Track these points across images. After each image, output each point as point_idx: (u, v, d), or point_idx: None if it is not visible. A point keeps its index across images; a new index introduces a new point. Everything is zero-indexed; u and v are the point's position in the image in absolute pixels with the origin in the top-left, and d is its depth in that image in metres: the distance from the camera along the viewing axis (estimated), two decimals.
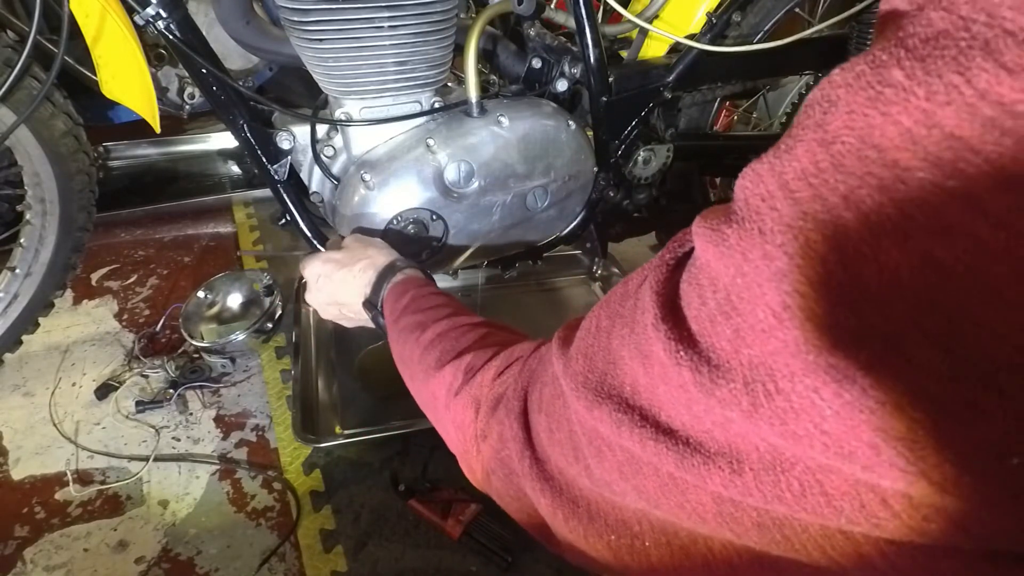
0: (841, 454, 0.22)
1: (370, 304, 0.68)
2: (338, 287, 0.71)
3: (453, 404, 0.49)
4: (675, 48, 1.01)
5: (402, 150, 0.84)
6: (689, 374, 0.26)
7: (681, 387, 0.27)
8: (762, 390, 0.23)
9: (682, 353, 0.26)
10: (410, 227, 0.87)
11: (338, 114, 0.83)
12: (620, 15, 0.93)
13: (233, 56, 1.15)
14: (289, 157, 0.87)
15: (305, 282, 0.76)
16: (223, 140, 1.51)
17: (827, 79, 0.22)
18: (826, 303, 0.21)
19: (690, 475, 0.27)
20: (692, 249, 0.28)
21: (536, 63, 0.97)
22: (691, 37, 0.94)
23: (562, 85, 0.95)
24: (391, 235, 0.86)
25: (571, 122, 0.91)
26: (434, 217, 0.88)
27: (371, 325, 0.70)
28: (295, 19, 0.73)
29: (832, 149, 0.21)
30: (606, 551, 0.35)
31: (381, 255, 0.71)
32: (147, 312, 1.20)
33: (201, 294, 1.10)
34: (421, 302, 0.61)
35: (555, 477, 0.37)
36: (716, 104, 1.07)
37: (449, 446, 0.51)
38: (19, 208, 0.97)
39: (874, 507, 0.22)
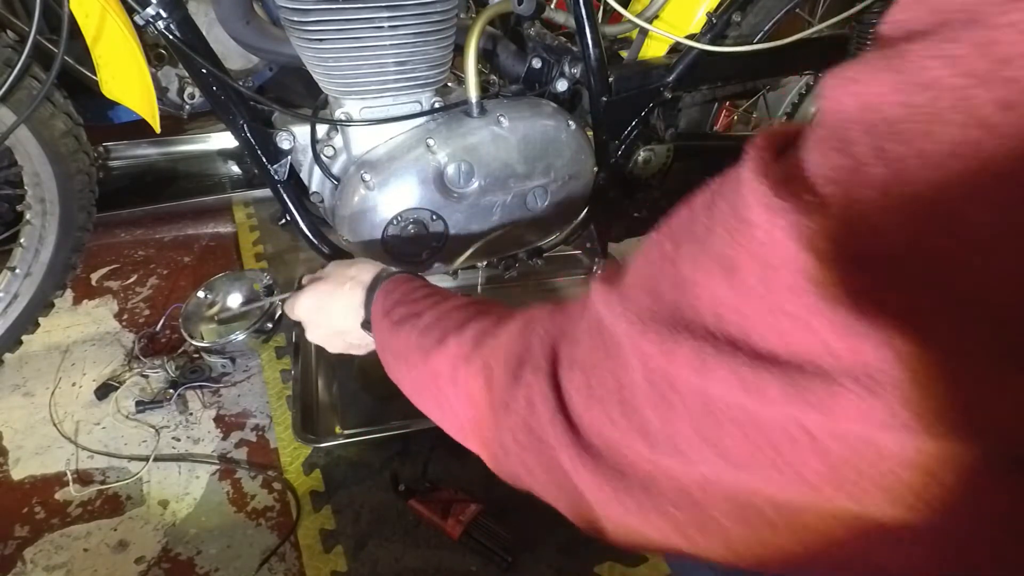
0: None
1: (368, 324, 0.64)
2: (333, 314, 0.67)
3: (462, 374, 0.44)
4: (675, 48, 1.01)
5: (402, 150, 0.84)
6: (823, 241, 0.21)
7: (791, 287, 0.22)
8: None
9: (807, 221, 0.21)
10: (410, 227, 0.87)
11: (338, 114, 0.83)
12: (620, 15, 0.93)
13: (233, 56, 1.14)
14: (289, 157, 0.86)
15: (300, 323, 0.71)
16: (223, 140, 1.50)
17: None
18: None
19: (800, 407, 0.22)
20: (794, 133, 0.24)
21: (536, 63, 0.97)
22: (691, 37, 0.94)
23: (562, 85, 0.95)
24: (391, 235, 0.86)
25: (571, 122, 0.91)
26: (434, 217, 0.88)
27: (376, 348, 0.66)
28: (295, 19, 0.73)
29: None
30: (670, 530, 0.29)
31: (365, 272, 0.67)
32: (147, 312, 1.20)
33: (201, 294, 1.09)
34: (414, 294, 0.57)
35: (594, 444, 0.32)
36: (716, 104, 1.07)
37: (453, 429, 0.46)
38: (19, 208, 0.97)
39: None
